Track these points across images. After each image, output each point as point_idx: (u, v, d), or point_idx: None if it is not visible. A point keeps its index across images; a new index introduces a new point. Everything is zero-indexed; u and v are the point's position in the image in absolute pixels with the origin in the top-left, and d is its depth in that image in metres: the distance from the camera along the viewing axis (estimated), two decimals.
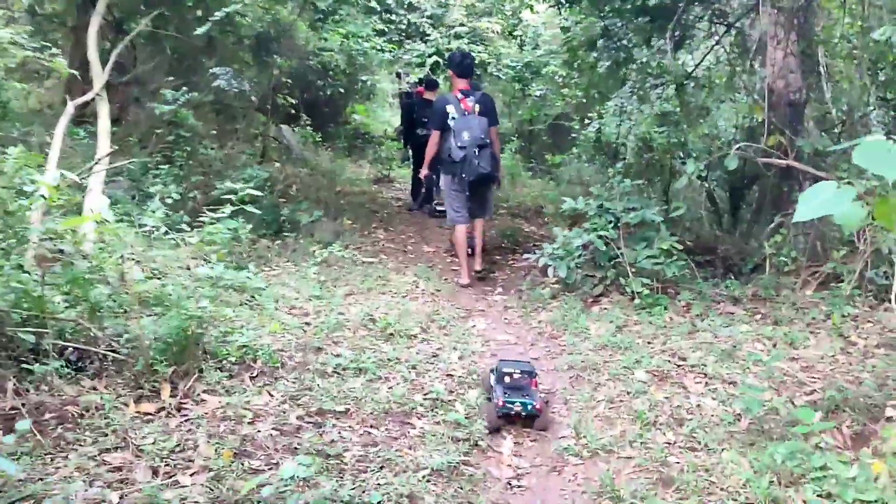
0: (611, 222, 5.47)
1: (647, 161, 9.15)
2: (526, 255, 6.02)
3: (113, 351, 3.38)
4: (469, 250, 6.41)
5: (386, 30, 15.12)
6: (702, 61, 8.62)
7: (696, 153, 9.52)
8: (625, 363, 4.28)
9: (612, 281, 5.55)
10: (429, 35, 14.83)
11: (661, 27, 8.45)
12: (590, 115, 11.24)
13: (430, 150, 6.34)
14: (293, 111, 13.47)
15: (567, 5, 8.27)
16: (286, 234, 7.07)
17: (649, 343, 4.68)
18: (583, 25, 8.69)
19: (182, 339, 3.48)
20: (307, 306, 5.14)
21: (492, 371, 3.80)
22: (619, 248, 5.43)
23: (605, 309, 5.35)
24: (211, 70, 7.10)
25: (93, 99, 6.15)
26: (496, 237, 7.89)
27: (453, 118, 6.05)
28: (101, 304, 3.51)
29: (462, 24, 14.38)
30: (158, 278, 4.44)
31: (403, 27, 15.53)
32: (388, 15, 15.39)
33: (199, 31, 5.83)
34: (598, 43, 8.01)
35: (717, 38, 8.75)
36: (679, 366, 4.32)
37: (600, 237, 5.39)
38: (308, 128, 12.60)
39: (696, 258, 7.11)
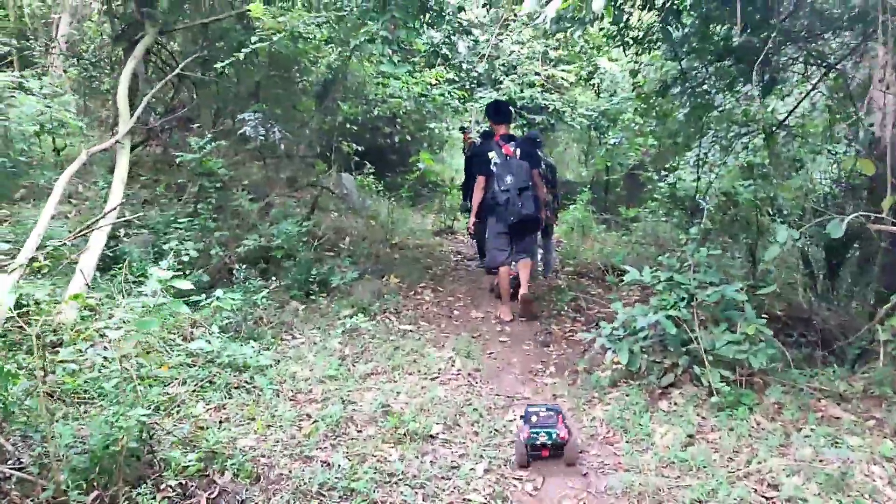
0: (683, 299, 4.42)
1: (730, 218, 8.05)
2: (583, 333, 5.01)
3: (19, 468, 2.60)
4: (512, 291, 6.49)
5: (457, 78, 14.56)
6: (795, 108, 7.47)
7: (788, 210, 8.35)
8: (696, 493, 3.23)
9: (685, 370, 4.47)
10: (501, 83, 14.15)
11: (747, 70, 7.40)
12: (667, 166, 10.18)
13: (476, 197, 6.34)
14: (357, 158, 12.95)
15: (637, 46, 7.31)
16: (321, 294, 6.31)
17: (730, 461, 3.60)
18: (656, 67, 7.70)
19: (110, 454, 2.67)
20: (316, 390, 4.30)
21: (521, 417, 3.84)
22: (692, 331, 4.37)
23: (675, 405, 4.28)
24: (239, 115, 6.48)
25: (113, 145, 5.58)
26: (555, 301, 6.88)
27: (496, 163, 6.09)
28: (11, 406, 2.73)
29: (536, 73, 13.62)
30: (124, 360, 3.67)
31: (476, 75, 14.94)
32: (461, 63, 14.88)
33: (218, 65, 5.17)
34: (674, 87, 6.99)
35: (813, 82, 7.61)
36: (769, 498, 3.23)
37: (669, 317, 4.34)
38: (371, 176, 11.99)
39: (788, 332, 5.96)
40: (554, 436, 3.58)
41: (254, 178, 8.31)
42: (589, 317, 6.40)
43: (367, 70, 13.44)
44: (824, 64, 7.21)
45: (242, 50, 4.99)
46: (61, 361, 3.02)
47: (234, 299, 4.87)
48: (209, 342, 4.28)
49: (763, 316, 4.46)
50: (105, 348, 3.19)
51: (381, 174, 13.27)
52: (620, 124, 12.41)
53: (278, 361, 4.70)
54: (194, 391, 3.91)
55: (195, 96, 7.38)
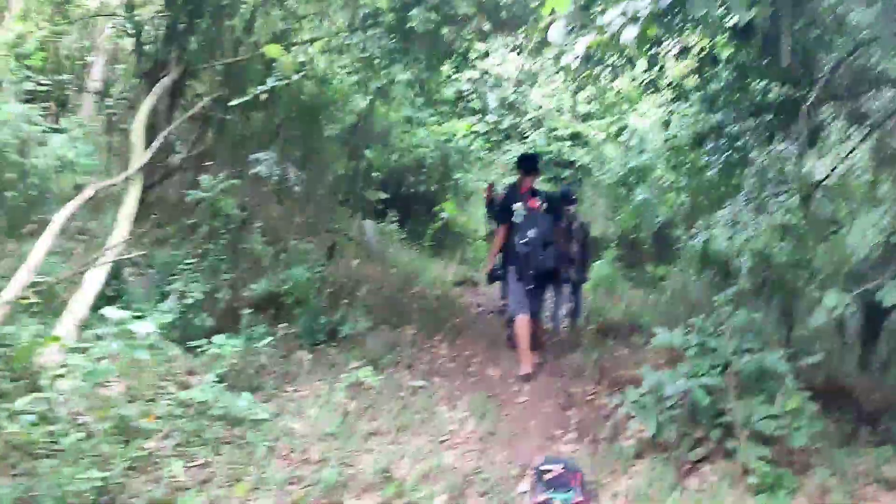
0: (717, 366, 4.03)
1: (763, 280, 7.66)
2: (607, 398, 4.63)
3: None
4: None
5: (484, 129, 14.42)
6: (835, 168, 7.12)
7: (825, 275, 7.95)
8: None
9: (717, 443, 4.06)
10: (527, 136, 14.01)
11: (785, 125, 7.10)
12: (697, 223, 9.83)
13: (496, 244, 6.34)
14: (381, 206, 12.78)
15: (671, 91, 7.06)
16: (331, 344, 6.00)
17: None
18: (689, 121, 7.44)
19: None
20: (313, 449, 3.95)
21: (532, 470, 3.62)
22: (726, 402, 3.97)
23: (707, 484, 3.85)
24: (253, 155, 6.28)
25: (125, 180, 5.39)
26: (578, 361, 6.49)
27: (520, 214, 5.99)
28: None
29: (566, 127, 13.45)
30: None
31: (504, 128, 14.80)
32: (490, 116, 14.75)
33: (232, 103, 5.00)
34: (709, 141, 6.71)
35: (854, 141, 7.28)
36: None
37: (702, 386, 3.95)
38: (394, 224, 11.79)
39: (826, 405, 5.50)
40: (571, 502, 3.31)
41: (271, 222, 8.10)
42: (613, 379, 5.98)
43: (394, 117, 13.41)
44: (867, 123, 6.89)
45: (259, 88, 4.79)
46: (17, 413, 2.72)
47: (234, 346, 4.58)
48: (202, 391, 3.97)
49: (803, 388, 4.05)
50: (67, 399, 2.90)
51: (404, 222, 13.10)
52: (649, 181, 12.15)
53: (277, 415, 4.37)
54: (179, 445, 3.58)
55: (214, 136, 7.22)
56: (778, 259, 7.48)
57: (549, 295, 7.36)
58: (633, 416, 4.14)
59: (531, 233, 5.86)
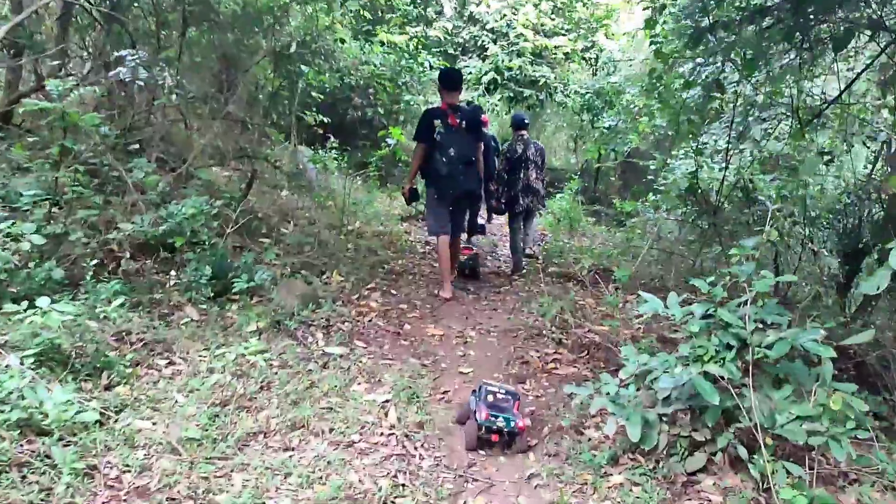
0: (731, 348, 2.86)
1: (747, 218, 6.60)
2: (570, 387, 3.45)
3: None
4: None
5: (442, 39, 12.84)
6: (849, 86, 5.91)
7: (818, 212, 6.90)
8: None
9: (723, 451, 2.94)
10: (487, 50, 12.48)
11: (784, 36, 5.84)
12: (676, 152, 8.64)
13: (415, 163, 5.97)
14: (322, 132, 11.31)
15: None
16: (232, 298, 4.72)
17: None
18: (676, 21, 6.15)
19: None
20: (156, 468, 2.71)
21: (473, 393, 3.52)
22: (743, 397, 2.82)
23: None
24: (117, 53, 4.78)
25: None
26: (534, 316, 5.33)
27: (440, 132, 5.68)
28: None
29: (526, 40, 11.95)
30: None
31: (461, 41, 13.25)
32: (445, 26, 13.17)
33: None
34: (703, 43, 5.41)
35: (865, 55, 6.06)
36: None
37: (707, 375, 2.79)
38: (333, 151, 10.35)
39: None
40: (512, 423, 3.25)
41: (177, 147, 6.66)
42: (577, 341, 4.84)
43: (339, 32, 11.82)
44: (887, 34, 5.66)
45: None
46: None
47: (66, 312, 3.26)
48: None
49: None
50: None
51: (349, 150, 11.66)
52: (618, 106, 10.87)
53: (121, 409, 3.11)
54: None
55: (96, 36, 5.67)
56: (766, 194, 6.43)
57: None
58: (613, 415, 2.97)
59: (452, 151, 5.62)
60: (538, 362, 4.48)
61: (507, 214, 7.54)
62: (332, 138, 10.61)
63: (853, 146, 7.17)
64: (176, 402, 3.28)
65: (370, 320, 4.94)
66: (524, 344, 4.80)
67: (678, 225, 7.29)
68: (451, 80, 5.92)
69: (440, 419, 3.57)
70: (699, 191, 5.78)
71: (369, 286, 5.79)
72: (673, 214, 7.42)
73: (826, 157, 7.10)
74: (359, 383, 3.84)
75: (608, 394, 3.00)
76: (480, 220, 8.59)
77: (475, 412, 3.32)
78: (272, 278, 5.01)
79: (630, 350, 3.11)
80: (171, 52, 5.87)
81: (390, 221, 9.41)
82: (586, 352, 4.68)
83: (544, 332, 4.99)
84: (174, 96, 5.30)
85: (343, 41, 11.79)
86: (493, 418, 3.22)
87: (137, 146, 5.29)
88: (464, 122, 5.74)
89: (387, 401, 3.63)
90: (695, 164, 6.26)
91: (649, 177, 9.09)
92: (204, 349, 3.94)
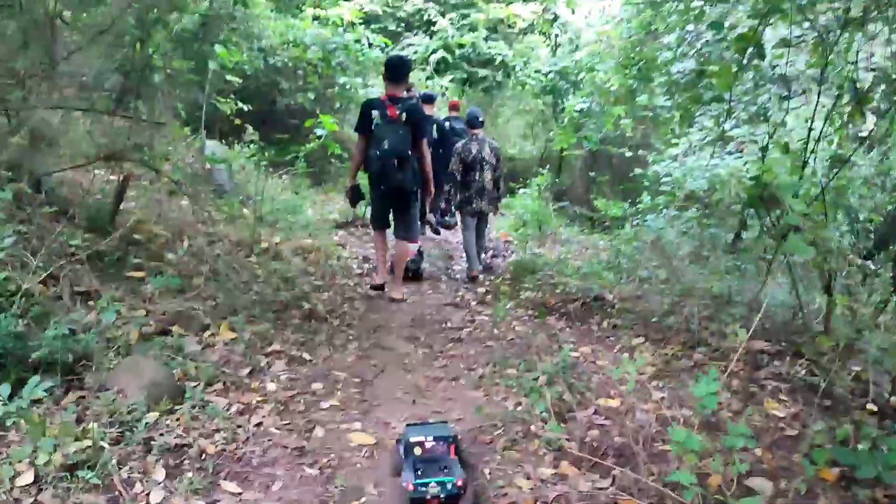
0: None
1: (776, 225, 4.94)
2: None
3: None
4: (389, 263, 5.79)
5: (381, 12, 10.87)
6: None
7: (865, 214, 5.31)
8: None
9: None
10: (434, 25, 10.57)
11: None
12: (676, 140, 6.95)
13: (356, 158, 5.57)
14: (241, 122, 9.30)
15: None
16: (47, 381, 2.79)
17: None
18: None
19: None
20: None
21: (398, 442, 2.78)
22: None
23: None
24: None
25: None
26: (511, 392, 3.53)
27: (377, 124, 5.20)
28: None
29: (480, 10, 10.06)
30: None
31: (404, 16, 11.29)
32: None
33: None
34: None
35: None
36: None
37: None
38: (253, 145, 8.35)
39: None
40: (449, 486, 2.42)
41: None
42: (583, 436, 3.04)
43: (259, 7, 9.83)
44: None
45: None
46: None
47: None
48: None
49: None
50: None
51: (278, 144, 9.68)
52: (590, 86, 9.10)
53: None
54: None
55: None
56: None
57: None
58: None
59: (385, 144, 5.20)
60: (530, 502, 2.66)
61: (458, 217, 7.14)
62: (251, 130, 8.64)
63: None
64: None
65: (259, 424, 3.05)
66: (503, 460, 2.96)
67: (687, 236, 5.54)
68: (393, 70, 5.48)
69: None
70: (766, 198, 3.92)
71: (272, 348, 3.90)
72: (675, 222, 5.70)
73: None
74: None
75: None
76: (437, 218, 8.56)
77: (402, 477, 2.56)
78: (118, 348, 3.13)
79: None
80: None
81: (322, 232, 7.49)
82: (601, 456, 2.89)
83: (532, 426, 3.17)
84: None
85: (264, 16, 9.77)
86: (422, 487, 2.46)
87: None
88: (403, 115, 5.23)
89: None
90: (759, 155, 4.44)
91: (637, 171, 7.37)
92: None
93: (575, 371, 3.81)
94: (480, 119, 6.90)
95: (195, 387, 3.17)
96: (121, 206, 5.43)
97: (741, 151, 5.78)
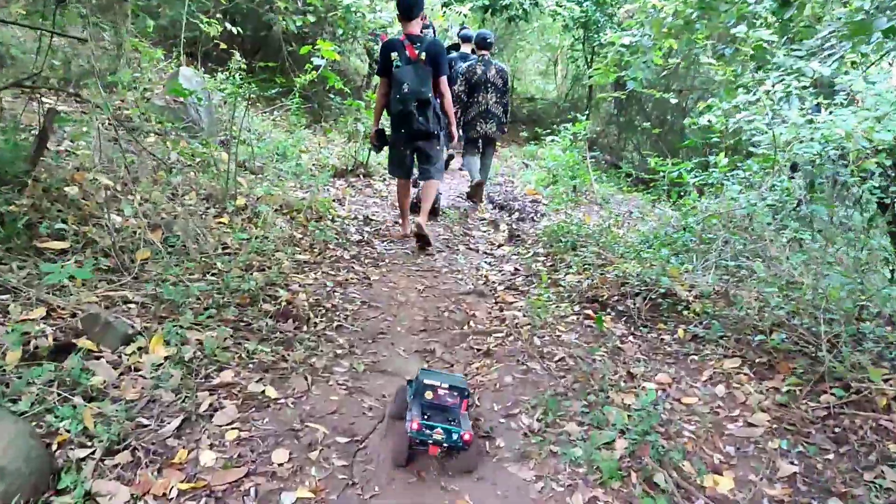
0: None
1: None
2: None
3: None
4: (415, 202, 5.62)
5: None
6: None
7: None
8: None
9: None
10: None
11: None
12: (742, 84, 5.53)
13: (378, 102, 5.21)
14: (230, 48, 7.81)
15: None
16: None
17: None
18: None
19: None
20: None
21: (409, 383, 2.59)
22: None
23: None
24: None
25: None
26: (572, 477, 2.30)
27: (396, 65, 4.90)
28: None
29: None
30: None
31: None
32: None
33: None
34: None
35: None
36: None
37: None
38: (240, 74, 6.90)
39: None
40: (455, 437, 2.20)
41: None
42: None
43: None
44: None
45: None
46: None
47: None
48: None
49: None
50: None
51: (269, 76, 8.21)
52: (639, 14, 7.54)
53: None
54: None
55: None
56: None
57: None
58: None
59: (405, 87, 4.85)
60: None
61: (463, 142, 6.86)
62: (237, 56, 7.17)
63: None
64: None
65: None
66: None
67: (782, 213, 4.18)
68: (406, 8, 5.07)
69: None
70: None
71: (222, 377, 2.64)
72: (769, 194, 4.34)
73: None
74: None
75: None
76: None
77: (406, 416, 2.32)
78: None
79: None
80: None
81: (316, 180, 6.14)
82: None
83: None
84: None
85: None
86: (427, 430, 2.19)
87: None
88: (423, 55, 4.92)
89: None
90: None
91: (686, 120, 5.94)
92: None
93: (660, 420, 2.56)
94: (489, 40, 6.71)
95: (81, 465, 1.93)
96: (49, 149, 4.11)
97: (854, 102, 4.38)
